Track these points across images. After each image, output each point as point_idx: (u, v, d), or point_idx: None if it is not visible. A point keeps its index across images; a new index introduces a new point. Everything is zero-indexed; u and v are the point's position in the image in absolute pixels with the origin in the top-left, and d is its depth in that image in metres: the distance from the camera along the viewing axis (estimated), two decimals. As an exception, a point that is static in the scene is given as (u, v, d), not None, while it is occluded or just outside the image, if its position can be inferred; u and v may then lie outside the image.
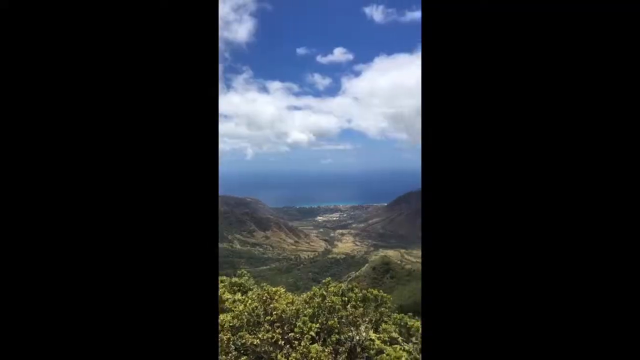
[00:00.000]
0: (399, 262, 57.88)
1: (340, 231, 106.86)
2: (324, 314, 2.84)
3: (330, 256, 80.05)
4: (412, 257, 78.75)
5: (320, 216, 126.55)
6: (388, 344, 2.89)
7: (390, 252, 78.86)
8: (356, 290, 3.25)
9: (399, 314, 3.38)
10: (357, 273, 55.85)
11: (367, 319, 3.01)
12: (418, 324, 3.25)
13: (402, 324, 3.19)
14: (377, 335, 2.92)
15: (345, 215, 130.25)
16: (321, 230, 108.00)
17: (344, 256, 79.05)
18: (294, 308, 2.81)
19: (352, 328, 2.81)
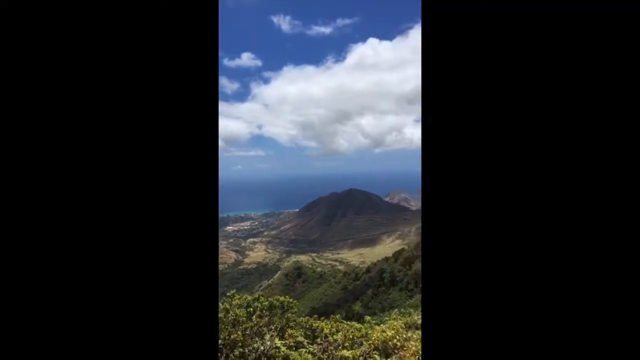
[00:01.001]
0: (310, 266, 59.43)
1: (252, 240, 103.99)
2: (227, 329, 2.70)
3: (241, 267, 76.90)
4: (322, 260, 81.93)
5: (230, 225, 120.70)
6: (294, 349, 2.92)
7: (302, 257, 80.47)
8: (262, 299, 3.21)
9: (305, 317, 3.47)
10: (270, 281, 55.10)
11: (272, 327, 2.99)
12: (323, 324, 3.39)
13: (307, 327, 3.28)
14: (283, 342, 2.93)
15: (256, 223, 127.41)
16: (231, 240, 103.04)
17: (255, 265, 76.99)
18: (192, 327, 2.60)
19: (257, 338, 2.75)
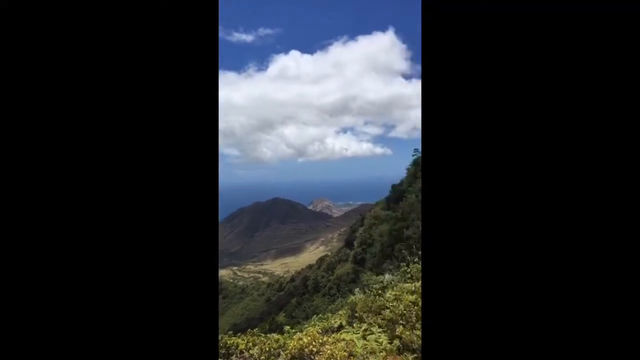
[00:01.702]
0: (231, 280, 56.55)
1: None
2: None
3: (151, 288, 68.68)
4: (244, 273, 78.87)
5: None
6: (205, 371, 2.72)
7: (223, 272, 76.14)
8: (168, 321, 2.91)
9: (219, 335, 3.26)
10: (186, 301, 50.46)
11: (180, 351, 2.73)
12: (238, 340, 3.24)
13: (221, 345, 3.09)
14: (193, 366, 2.70)
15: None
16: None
17: (169, 285, 69.75)
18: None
19: (161, 367, 2.47)
